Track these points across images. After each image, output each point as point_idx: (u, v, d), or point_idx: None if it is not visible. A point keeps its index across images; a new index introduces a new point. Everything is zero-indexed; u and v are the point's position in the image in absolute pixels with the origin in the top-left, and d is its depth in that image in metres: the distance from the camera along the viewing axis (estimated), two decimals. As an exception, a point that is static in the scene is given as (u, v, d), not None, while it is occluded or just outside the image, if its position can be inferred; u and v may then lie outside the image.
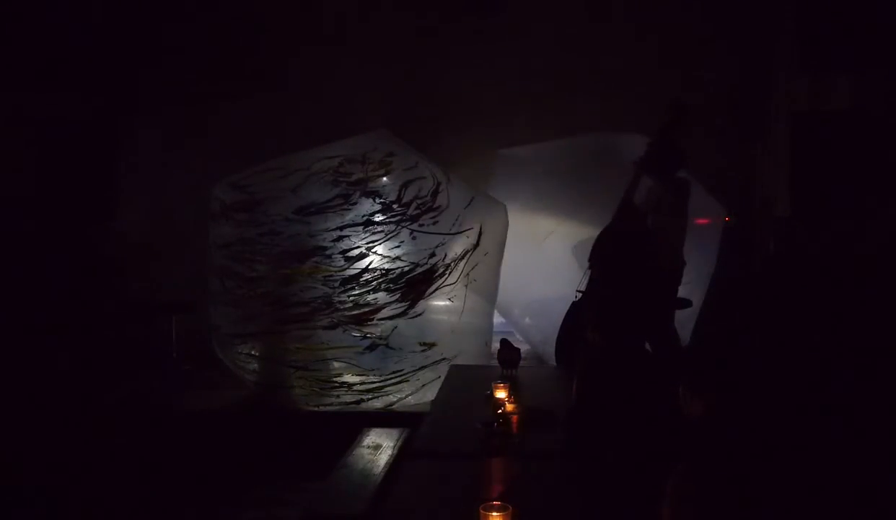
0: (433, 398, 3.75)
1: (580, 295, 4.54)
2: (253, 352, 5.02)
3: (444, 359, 4.88)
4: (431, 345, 4.92)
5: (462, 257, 4.93)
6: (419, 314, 4.89)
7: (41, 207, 5.97)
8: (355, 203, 4.93)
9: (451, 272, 4.90)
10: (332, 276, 4.85)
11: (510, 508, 1.94)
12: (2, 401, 4.84)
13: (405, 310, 4.85)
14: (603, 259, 3.23)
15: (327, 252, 4.86)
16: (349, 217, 4.90)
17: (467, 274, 4.95)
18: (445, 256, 4.90)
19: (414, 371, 4.92)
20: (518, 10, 6.91)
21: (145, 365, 5.97)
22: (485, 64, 6.92)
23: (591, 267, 4.47)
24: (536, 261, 5.76)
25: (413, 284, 4.85)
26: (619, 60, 6.68)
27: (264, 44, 6.98)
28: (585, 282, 4.53)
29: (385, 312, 4.84)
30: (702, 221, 5.36)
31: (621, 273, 3.02)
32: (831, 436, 2.12)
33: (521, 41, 6.89)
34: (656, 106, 6.07)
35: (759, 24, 6.60)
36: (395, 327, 4.86)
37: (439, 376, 4.65)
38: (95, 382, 5.39)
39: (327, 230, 4.87)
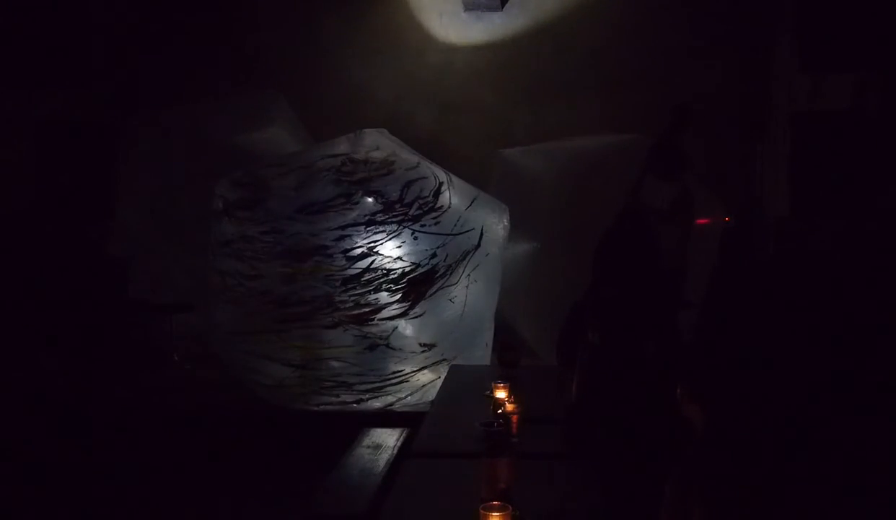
0: (433, 398, 3.76)
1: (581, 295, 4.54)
2: (253, 351, 5.01)
3: (444, 360, 4.88)
4: (432, 346, 4.92)
5: (463, 258, 4.93)
6: (420, 315, 4.89)
7: (41, 207, 5.97)
8: (357, 202, 4.93)
9: (452, 273, 4.90)
10: (333, 275, 4.85)
11: (510, 508, 1.94)
12: (1, 401, 4.84)
13: (406, 310, 4.85)
14: (607, 259, 3.23)
15: (329, 251, 4.85)
16: (351, 216, 4.90)
17: (468, 275, 4.95)
18: (447, 256, 4.90)
19: (414, 372, 4.92)
20: (517, 11, 6.91)
21: (145, 365, 5.97)
22: (485, 63, 6.93)
23: (594, 268, 4.47)
24: (537, 261, 5.76)
25: (414, 285, 4.85)
26: (618, 61, 6.69)
27: (265, 43, 6.99)
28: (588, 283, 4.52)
29: (386, 313, 4.84)
30: (702, 221, 5.36)
31: (625, 273, 3.02)
32: (832, 436, 2.12)
33: (521, 41, 6.90)
34: (657, 107, 6.09)
35: (758, 24, 6.60)
36: (396, 328, 4.86)
37: (439, 377, 4.65)
38: (95, 383, 5.39)
39: (329, 229, 4.87)
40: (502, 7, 6.89)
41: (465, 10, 6.91)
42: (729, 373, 1.99)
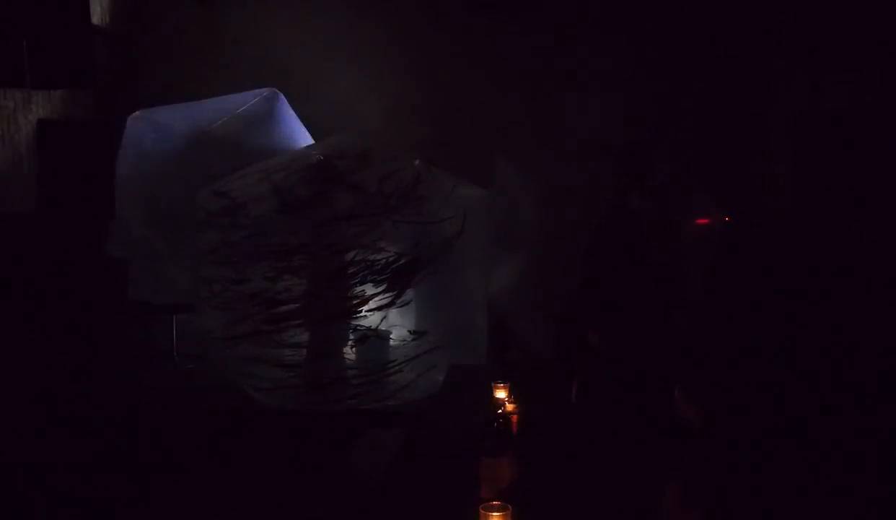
0: (433, 396, 3.76)
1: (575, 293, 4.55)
2: (245, 354, 5.02)
3: (437, 347, 4.89)
4: (422, 333, 4.95)
5: (447, 245, 4.95)
6: (407, 303, 4.92)
7: (41, 208, 5.96)
8: (336, 198, 4.96)
9: (436, 260, 4.92)
10: (318, 271, 4.88)
11: (510, 508, 1.94)
12: (1, 401, 4.84)
13: (392, 299, 4.87)
14: (596, 260, 3.24)
15: (312, 248, 4.88)
16: (331, 212, 4.92)
17: (458, 265, 4.98)
18: (430, 244, 4.92)
19: (407, 361, 4.94)
20: (516, 10, 6.91)
21: (145, 365, 5.97)
22: (483, 63, 6.93)
23: (584, 269, 4.48)
24: (535, 261, 5.76)
25: (399, 274, 4.88)
26: (617, 61, 6.68)
27: (262, 43, 6.99)
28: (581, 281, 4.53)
29: (373, 303, 4.87)
30: (702, 221, 5.36)
31: (615, 272, 3.03)
32: (831, 435, 2.12)
33: (521, 41, 6.90)
34: (655, 106, 6.09)
35: (758, 23, 6.60)
36: (385, 317, 4.89)
37: (435, 366, 4.68)
38: (96, 383, 5.39)
39: (310, 227, 4.90)
40: (502, 6, 6.90)
41: (465, 9, 6.91)
42: (728, 373, 1.99)
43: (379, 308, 4.86)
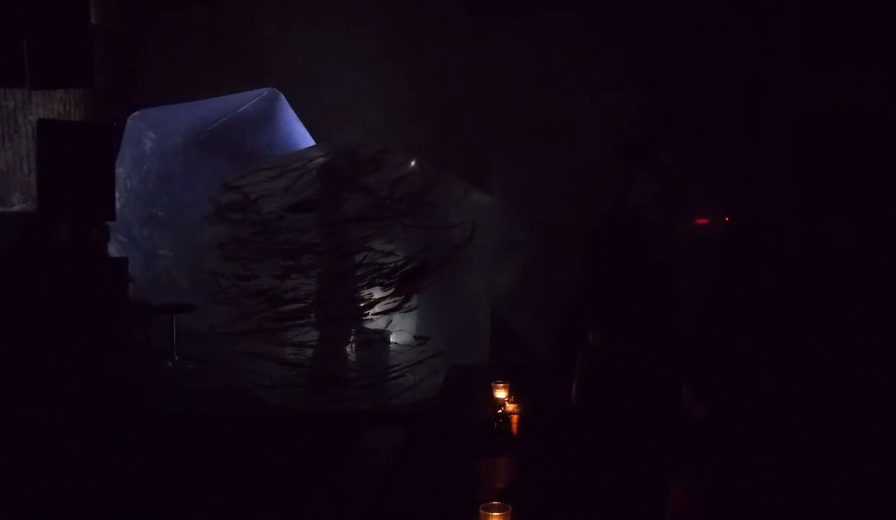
0: (433, 397, 3.75)
1: (576, 294, 4.56)
2: (249, 351, 5.02)
3: (440, 353, 4.89)
4: (426, 339, 4.95)
5: (455, 251, 4.96)
6: (414, 308, 4.93)
7: (41, 207, 5.96)
8: (347, 199, 4.97)
9: (444, 266, 4.93)
10: (326, 272, 4.88)
11: (510, 508, 1.94)
12: (1, 402, 4.83)
13: (399, 304, 4.88)
14: (599, 260, 3.24)
15: (321, 248, 4.89)
16: (342, 213, 4.93)
17: (461, 268, 4.98)
18: (439, 250, 4.93)
19: (410, 366, 4.95)
20: (515, 10, 6.92)
21: (145, 365, 5.96)
22: (484, 64, 6.93)
23: (586, 269, 4.48)
24: (535, 261, 5.76)
25: (407, 278, 4.89)
26: (617, 60, 6.69)
27: (263, 43, 7.00)
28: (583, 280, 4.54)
29: (379, 307, 4.87)
30: (702, 221, 5.36)
31: (618, 272, 3.03)
32: (833, 435, 2.12)
33: (522, 41, 6.90)
34: (655, 106, 6.10)
35: (758, 23, 6.60)
36: (391, 322, 4.90)
37: (437, 371, 4.67)
38: (95, 383, 5.39)
39: (320, 226, 4.90)
40: (503, 7, 6.90)
41: (466, 11, 6.91)
42: (732, 373, 1.99)
43: (385, 312, 4.87)
